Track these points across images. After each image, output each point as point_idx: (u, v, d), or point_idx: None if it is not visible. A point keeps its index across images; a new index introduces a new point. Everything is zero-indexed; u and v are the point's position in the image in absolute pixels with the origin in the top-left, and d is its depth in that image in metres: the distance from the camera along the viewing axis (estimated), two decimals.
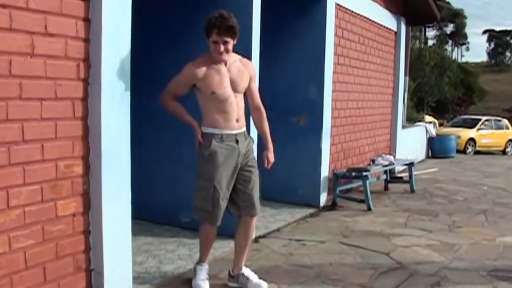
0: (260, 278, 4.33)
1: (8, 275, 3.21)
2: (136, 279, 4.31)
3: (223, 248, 5.29)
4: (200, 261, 4.42)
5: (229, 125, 4.10)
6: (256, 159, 4.38)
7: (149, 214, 6.12)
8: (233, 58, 4.18)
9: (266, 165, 4.42)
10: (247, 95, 4.34)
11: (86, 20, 3.56)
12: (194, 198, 4.21)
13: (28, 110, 3.24)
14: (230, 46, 4.00)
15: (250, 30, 5.34)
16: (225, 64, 4.10)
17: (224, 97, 4.06)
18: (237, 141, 4.13)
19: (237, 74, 4.15)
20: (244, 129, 4.26)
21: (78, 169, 3.60)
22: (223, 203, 4.14)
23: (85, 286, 3.74)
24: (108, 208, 3.73)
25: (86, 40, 3.58)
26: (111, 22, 3.64)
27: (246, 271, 4.38)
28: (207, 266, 4.41)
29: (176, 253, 5.17)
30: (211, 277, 4.48)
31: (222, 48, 3.94)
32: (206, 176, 4.09)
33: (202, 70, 4.03)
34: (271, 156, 4.42)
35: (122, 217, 3.89)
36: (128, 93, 3.88)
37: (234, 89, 4.12)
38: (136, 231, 5.00)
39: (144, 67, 5.70)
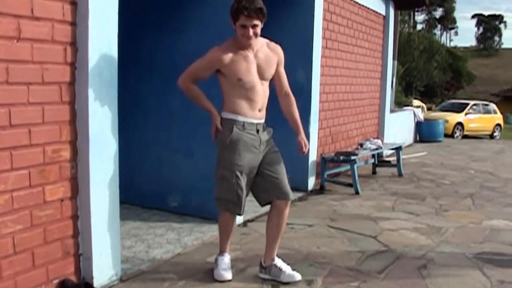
0: (293, 270, 4.18)
1: None
2: (125, 263, 4.32)
3: (211, 232, 5.30)
4: (221, 251, 4.31)
5: (252, 114, 3.96)
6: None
7: (137, 199, 6.12)
8: (260, 43, 4.01)
9: (303, 149, 4.25)
10: (275, 80, 4.19)
11: (73, 4, 3.52)
12: (216, 189, 4.12)
13: (15, 94, 3.22)
14: (259, 30, 3.84)
15: None
16: (252, 50, 3.94)
17: (251, 84, 3.92)
18: (257, 131, 4.00)
19: (264, 60, 3.99)
20: (263, 120, 4.10)
21: (66, 154, 3.59)
22: (246, 191, 4.05)
23: (73, 271, 3.74)
24: (96, 193, 3.73)
25: (73, 24, 3.54)
26: (98, 6, 3.61)
27: (279, 262, 4.20)
28: (228, 256, 4.29)
29: (165, 237, 5.18)
30: (199, 261, 4.51)
31: (251, 32, 3.78)
32: (226, 165, 3.97)
33: (228, 56, 3.88)
34: (305, 140, 4.26)
35: (110, 201, 3.88)
36: (116, 77, 3.85)
37: (261, 76, 3.97)
38: (124, 216, 5.01)
39: (132, 51, 5.67)
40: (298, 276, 4.12)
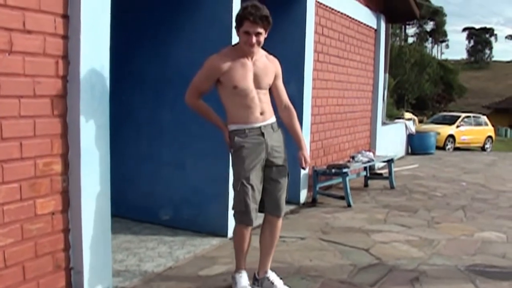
0: (285, 284, 4.16)
1: None
2: (116, 277, 4.30)
3: (203, 245, 5.29)
4: (237, 269, 4.19)
5: (252, 119, 3.89)
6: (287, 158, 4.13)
7: (129, 212, 6.11)
8: (260, 54, 3.98)
9: (303, 165, 4.16)
10: (273, 94, 4.12)
11: (65, 17, 3.53)
12: (233, 202, 4.03)
13: (7, 107, 3.21)
14: (262, 39, 3.80)
15: (230, 28, 5.33)
16: (251, 58, 3.90)
17: (246, 92, 3.86)
18: (262, 134, 3.91)
19: (262, 69, 3.94)
20: (272, 121, 4.01)
21: (57, 167, 3.58)
22: (255, 200, 3.92)
23: (64, 285, 3.72)
24: (87, 206, 3.72)
25: (65, 37, 3.55)
26: (90, 19, 3.62)
27: (272, 275, 4.19)
28: (246, 273, 4.18)
29: (156, 250, 5.16)
30: (191, 274, 4.50)
31: (254, 39, 3.73)
32: (236, 175, 3.94)
33: (226, 63, 3.83)
34: (307, 155, 4.16)
35: (101, 215, 3.87)
36: (107, 90, 3.86)
37: (257, 85, 3.91)
38: (116, 229, 5.00)
39: (124, 64, 5.69)
40: None
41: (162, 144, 5.93)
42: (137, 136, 6.11)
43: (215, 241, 5.45)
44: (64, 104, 3.59)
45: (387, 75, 13.37)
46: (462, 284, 4.44)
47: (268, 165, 3.98)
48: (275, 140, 4.00)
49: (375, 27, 10.76)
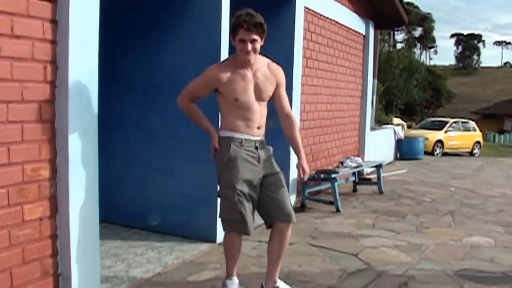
0: None
1: None
2: (105, 283, 4.28)
3: (192, 251, 5.28)
4: (228, 275, 4.16)
5: (250, 131, 3.88)
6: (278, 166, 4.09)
7: (117, 217, 6.08)
8: (261, 63, 3.95)
9: (302, 176, 4.08)
10: (275, 102, 4.08)
11: (53, 22, 3.53)
12: (220, 210, 3.95)
13: None
14: (258, 46, 3.76)
15: (219, 34, 5.34)
16: (251, 69, 3.87)
17: (247, 105, 3.84)
18: (256, 148, 3.91)
19: (262, 80, 3.90)
20: (263, 138, 4.02)
21: (45, 173, 3.57)
22: (251, 209, 3.89)
23: None
24: (76, 212, 3.70)
25: (53, 42, 3.54)
26: (79, 24, 3.61)
27: (281, 284, 4.11)
28: (237, 280, 4.16)
29: (145, 256, 5.14)
30: (179, 280, 4.48)
31: (249, 47, 3.70)
32: (227, 183, 3.84)
33: (226, 74, 3.81)
34: (306, 166, 4.09)
35: (89, 220, 3.85)
36: (96, 96, 3.84)
37: (258, 96, 3.89)
38: (104, 235, 4.98)
39: (112, 69, 5.68)
40: None
41: (151, 149, 5.92)
42: (126, 142, 6.09)
43: (203, 246, 5.44)
44: (52, 109, 3.58)
45: (375, 80, 13.42)
46: None
47: (266, 176, 3.95)
48: (265, 155, 3.99)
49: (363, 33, 10.81)
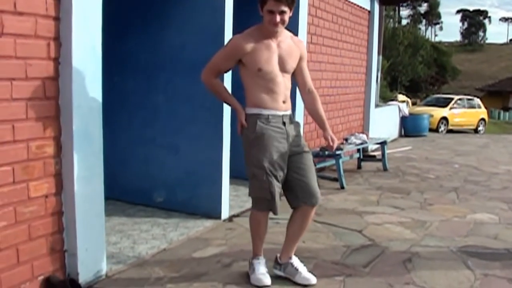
0: (310, 271, 4.06)
1: None
2: (110, 259, 4.30)
3: (197, 227, 5.31)
4: (255, 255, 4.09)
5: (276, 106, 3.78)
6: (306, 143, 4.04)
7: (122, 194, 6.10)
8: (285, 34, 3.85)
9: (331, 145, 4.06)
10: (297, 76, 4.01)
11: None
12: (249, 189, 3.90)
13: None
14: (287, 17, 3.66)
15: (222, 12, 5.30)
16: (276, 39, 3.77)
17: (271, 76, 3.74)
18: (284, 123, 3.82)
19: (287, 51, 3.81)
20: (290, 112, 3.92)
21: (50, 150, 3.57)
22: (280, 187, 3.83)
23: (59, 267, 3.72)
24: (81, 189, 3.71)
25: (57, 19, 3.52)
26: (82, 0, 3.58)
27: (296, 261, 4.08)
28: (264, 259, 4.09)
29: (150, 233, 5.17)
30: (184, 256, 4.51)
31: (278, 18, 3.59)
32: (255, 162, 3.77)
33: (250, 44, 3.69)
34: (333, 135, 4.07)
35: (94, 197, 3.87)
36: (100, 73, 3.83)
37: (282, 68, 3.79)
38: (109, 211, 5.00)
39: (116, 47, 5.65)
40: (313, 279, 4.00)
41: (155, 127, 5.91)
42: (130, 119, 6.09)
43: (208, 223, 5.46)
44: (56, 86, 3.57)
45: (380, 57, 13.37)
46: (455, 265, 4.48)
47: (293, 154, 3.88)
48: (294, 130, 3.92)
49: (368, 8, 10.72)
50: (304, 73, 4.04)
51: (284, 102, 3.83)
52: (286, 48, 3.82)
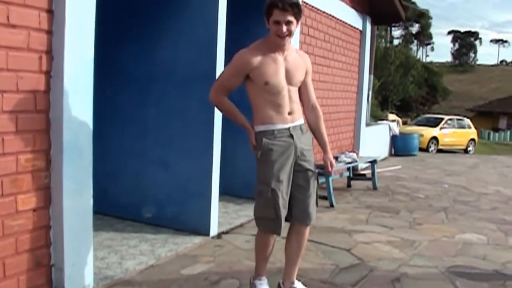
0: None
1: None
2: (97, 274, 4.27)
3: (185, 244, 5.28)
4: (257, 275, 4.00)
5: (280, 118, 3.68)
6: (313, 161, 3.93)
7: (111, 209, 6.07)
8: (291, 48, 3.78)
9: (329, 169, 4.03)
10: (301, 91, 3.89)
11: (49, 12, 3.51)
12: (254, 208, 3.81)
13: None
14: (294, 28, 3.57)
15: (216, 27, 5.32)
16: (283, 53, 3.69)
17: (277, 89, 3.65)
18: (291, 136, 3.71)
19: (294, 65, 3.73)
20: (300, 122, 3.80)
21: (39, 163, 3.55)
22: (285, 208, 3.72)
23: (45, 281, 3.69)
24: (69, 203, 3.69)
25: (49, 32, 3.52)
26: (75, 14, 3.59)
27: (299, 285, 4.01)
28: (266, 280, 4.01)
29: (138, 248, 5.14)
30: (172, 273, 4.49)
31: (285, 28, 3.51)
32: (262, 178, 3.69)
33: (257, 58, 3.61)
34: (332, 159, 4.03)
35: (83, 212, 3.84)
36: (91, 86, 3.83)
37: (289, 81, 3.70)
38: (98, 226, 4.98)
39: (108, 60, 5.66)
40: None
41: (146, 141, 5.90)
42: (121, 133, 6.08)
43: (197, 239, 5.44)
44: (47, 99, 3.57)
45: (371, 76, 13.42)
46: (443, 286, 4.48)
47: (297, 170, 3.78)
48: (304, 143, 3.82)
49: (360, 28, 10.80)
50: (308, 88, 3.95)
51: (290, 113, 3.72)
52: (293, 61, 3.76)
